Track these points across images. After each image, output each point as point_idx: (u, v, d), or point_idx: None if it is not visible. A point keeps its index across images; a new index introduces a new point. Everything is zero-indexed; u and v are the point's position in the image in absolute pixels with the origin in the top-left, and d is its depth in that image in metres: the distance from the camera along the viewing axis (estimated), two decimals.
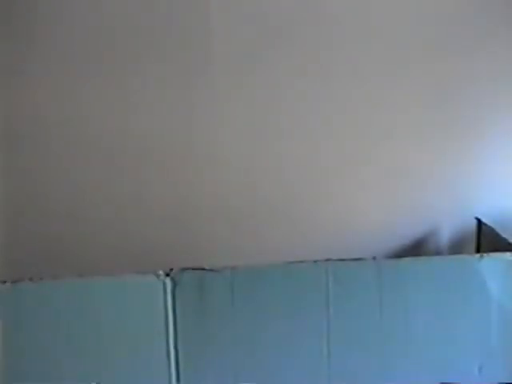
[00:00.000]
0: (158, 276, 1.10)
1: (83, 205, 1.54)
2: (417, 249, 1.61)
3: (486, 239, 1.48)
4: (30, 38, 1.48)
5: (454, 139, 1.59)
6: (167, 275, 1.10)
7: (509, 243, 1.26)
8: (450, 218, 1.62)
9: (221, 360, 1.14)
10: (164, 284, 1.10)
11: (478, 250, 1.54)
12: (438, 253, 1.61)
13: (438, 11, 1.54)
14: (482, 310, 1.18)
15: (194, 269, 1.11)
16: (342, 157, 1.59)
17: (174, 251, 1.52)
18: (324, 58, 1.54)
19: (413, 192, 1.60)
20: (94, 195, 1.55)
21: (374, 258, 1.16)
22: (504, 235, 1.31)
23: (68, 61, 1.49)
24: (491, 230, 1.41)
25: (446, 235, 1.63)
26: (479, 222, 1.54)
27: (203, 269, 1.11)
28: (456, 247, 1.62)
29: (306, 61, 1.54)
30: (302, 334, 1.15)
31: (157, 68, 1.52)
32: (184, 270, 1.11)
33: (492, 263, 1.17)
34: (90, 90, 1.51)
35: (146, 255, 1.51)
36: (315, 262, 1.14)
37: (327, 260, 1.14)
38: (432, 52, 1.55)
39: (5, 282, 1.07)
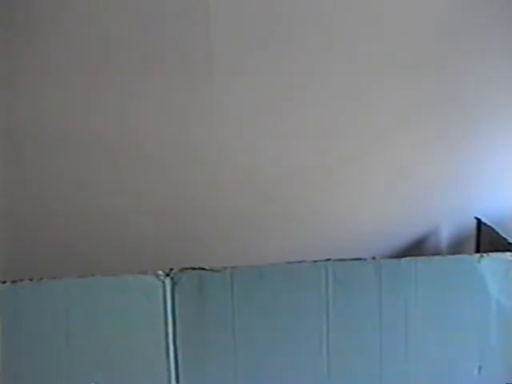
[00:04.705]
0: (157, 276, 1.10)
1: (83, 205, 1.54)
2: (417, 249, 1.62)
3: (485, 239, 1.48)
4: (30, 38, 1.48)
5: (453, 139, 1.59)
6: (167, 275, 1.10)
7: (509, 243, 1.26)
8: (450, 217, 1.62)
9: (220, 360, 1.14)
10: (164, 284, 1.10)
11: (478, 250, 1.54)
12: (437, 253, 1.61)
13: (437, 12, 1.54)
14: (481, 310, 1.18)
15: (193, 269, 1.11)
16: (341, 157, 1.59)
17: (174, 251, 1.52)
18: (323, 58, 1.54)
19: (413, 192, 1.60)
20: (93, 195, 1.55)
21: (374, 258, 1.16)
22: (504, 235, 1.31)
23: (68, 61, 1.49)
24: (491, 230, 1.41)
25: (445, 235, 1.63)
26: (479, 221, 1.54)
27: (203, 269, 1.11)
28: (456, 247, 1.62)
29: (305, 61, 1.54)
30: (301, 334, 1.15)
31: (156, 68, 1.52)
32: (184, 269, 1.11)
33: (492, 263, 1.17)
34: (89, 89, 1.51)
35: (145, 255, 1.51)
36: (315, 261, 1.14)
37: (327, 260, 1.14)
38: (432, 52, 1.55)
39: (5, 282, 1.07)
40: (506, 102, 1.58)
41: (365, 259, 1.16)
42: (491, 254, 1.18)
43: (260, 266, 1.14)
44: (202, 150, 1.56)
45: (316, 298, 1.14)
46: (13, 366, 1.09)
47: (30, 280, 1.08)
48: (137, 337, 1.11)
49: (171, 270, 1.10)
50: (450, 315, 1.18)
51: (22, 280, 1.07)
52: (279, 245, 1.58)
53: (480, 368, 1.19)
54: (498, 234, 1.35)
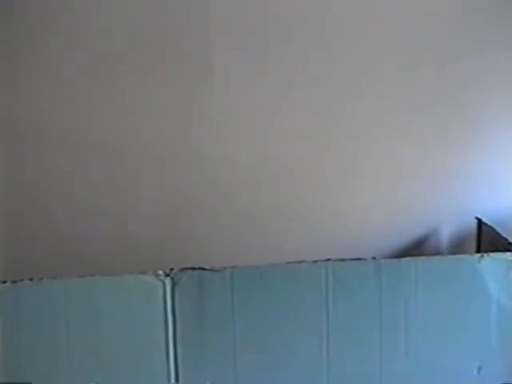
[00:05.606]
0: (157, 276, 1.10)
1: (83, 205, 1.54)
2: (417, 249, 1.62)
3: (485, 239, 1.48)
4: (30, 38, 1.48)
5: (453, 139, 1.59)
6: (167, 275, 1.10)
7: (509, 243, 1.26)
8: (450, 217, 1.62)
9: (220, 360, 1.14)
10: (164, 284, 1.10)
11: (478, 250, 1.54)
12: (437, 253, 1.61)
13: (438, 12, 1.54)
14: (481, 310, 1.18)
15: (193, 269, 1.11)
16: (341, 157, 1.59)
17: (174, 251, 1.52)
18: (324, 58, 1.54)
19: (413, 192, 1.60)
20: (94, 195, 1.55)
21: (374, 258, 1.16)
22: (504, 235, 1.31)
23: (68, 61, 1.49)
24: (491, 230, 1.41)
25: (445, 235, 1.63)
26: (479, 221, 1.54)
27: (203, 269, 1.11)
28: (456, 247, 1.62)
29: (305, 62, 1.54)
30: (301, 335, 1.15)
31: (156, 68, 1.52)
32: (184, 269, 1.11)
33: (492, 263, 1.17)
34: (89, 89, 1.51)
35: (145, 255, 1.51)
36: (315, 262, 1.14)
37: (327, 260, 1.14)
38: (432, 52, 1.55)
39: (5, 282, 1.07)
40: (506, 102, 1.58)
41: (365, 259, 1.16)
42: (491, 253, 1.18)
43: (260, 266, 1.14)
44: (201, 150, 1.56)
45: (316, 298, 1.14)
46: (13, 366, 1.09)
47: (30, 280, 1.07)
48: (137, 337, 1.11)
49: (171, 270, 1.10)
50: (449, 315, 1.18)
51: (22, 280, 1.07)
52: (279, 245, 1.58)
53: (479, 368, 1.19)
54: (498, 233, 1.35)
